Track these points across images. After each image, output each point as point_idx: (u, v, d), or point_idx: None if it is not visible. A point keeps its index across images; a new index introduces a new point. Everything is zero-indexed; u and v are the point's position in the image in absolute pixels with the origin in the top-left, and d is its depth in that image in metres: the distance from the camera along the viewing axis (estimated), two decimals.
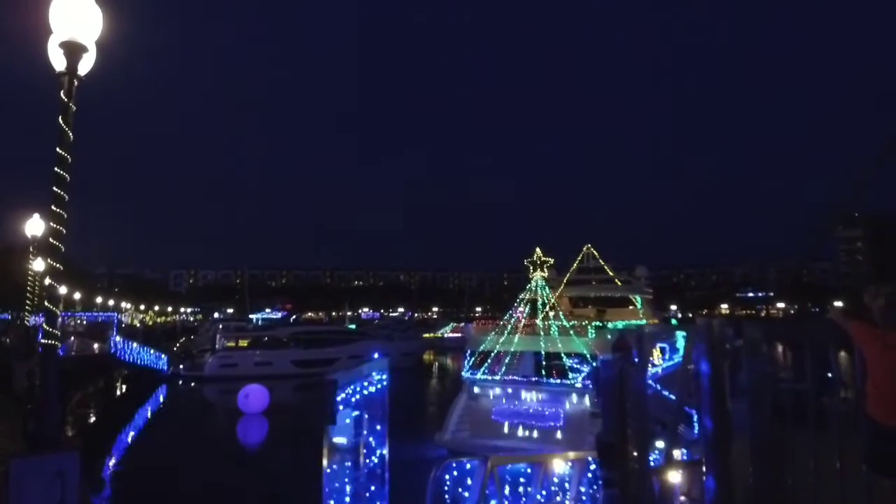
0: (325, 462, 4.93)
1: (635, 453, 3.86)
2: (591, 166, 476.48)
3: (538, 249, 23.24)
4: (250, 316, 69.95)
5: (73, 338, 32.36)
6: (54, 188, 6.10)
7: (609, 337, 19.38)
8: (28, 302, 19.03)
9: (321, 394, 4.95)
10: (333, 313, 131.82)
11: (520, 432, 18.68)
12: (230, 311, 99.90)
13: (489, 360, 20.28)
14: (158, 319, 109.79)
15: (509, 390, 19.37)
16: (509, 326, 20.94)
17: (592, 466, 6.93)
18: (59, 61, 6.34)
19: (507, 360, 20.71)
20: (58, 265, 6.09)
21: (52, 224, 6.04)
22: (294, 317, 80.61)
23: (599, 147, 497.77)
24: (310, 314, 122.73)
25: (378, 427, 5.04)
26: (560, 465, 7.10)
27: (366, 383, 5.44)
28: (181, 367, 43.61)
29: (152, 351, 38.83)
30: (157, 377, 37.37)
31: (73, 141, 6.20)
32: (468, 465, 6.05)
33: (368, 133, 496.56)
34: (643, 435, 3.85)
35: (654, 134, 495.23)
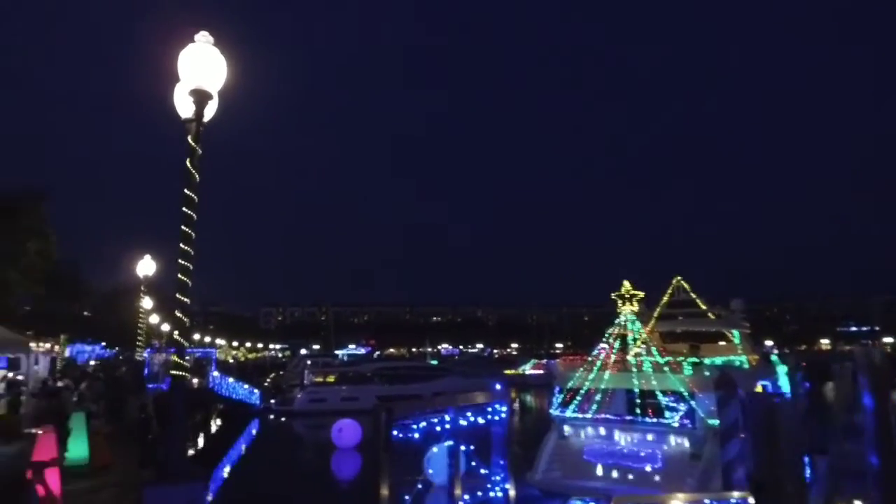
0: (383, 492, 4.83)
1: (789, 493, 3.56)
2: (671, 196, 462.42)
3: (626, 283, 22.49)
4: (335, 352, 71.39)
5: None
6: (182, 227, 6.48)
7: (707, 374, 18.37)
8: (139, 338, 20.22)
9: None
10: (414, 349, 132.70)
11: (614, 473, 17.82)
12: (316, 347, 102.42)
13: (578, 398, 19.60)
14: (249, 355, 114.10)
15: (602, 429, 18.57)
16: (598, 362, 20.20)
17: None
18: (185, 108, 6.82)
19: (597, 398, 19.95)
20: (186, 300, 6.43)
21: (180, 261, 6.40)
22: (377, 353, 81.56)
23: (681, 181, 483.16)
24: (391, 350, 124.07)
25: (501, 461, 4.91)
26: None
27: (468, 413, 5.34)
28: (272, 401, 44.90)
29: (246, 386, 40.22)
30: (250, 411, 38.59)
31: (199, 182, 6.62)
32: None
33: (435, 166, 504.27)
34: (799, 474, 3.55)
35: (746, 165, 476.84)
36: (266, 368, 77.43)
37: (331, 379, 48.03)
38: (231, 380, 37.23)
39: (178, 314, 6.41)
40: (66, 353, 22.53)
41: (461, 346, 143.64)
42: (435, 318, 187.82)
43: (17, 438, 16.71)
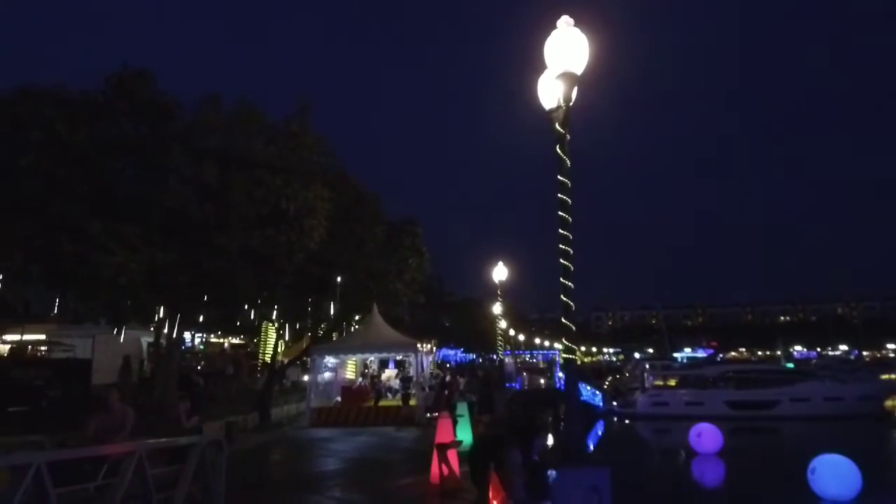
0: None
1: None
2: None
3: None
4: (674, 355, 68.14)
5: (524, 373, 36.46)
6: (559, 213, 6.56)
7: None
8: (500, 342, 22.18)
9: (771, 439, 3.95)
10: (759, 352, 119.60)
11: None
12: (650, 350, 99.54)
13: None
14: (585, 359, 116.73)
15: None
16: None
17: None
18: (549, 99, 6.97)
19: None
20: (570, 283, 6.50)
21: (561, 246, 6.52)
22: (720, 356, 75.43)
23: None
24: (732, 353, 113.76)
25: None
26: None
27: None
28: (614, 404, 44.71)
29: (588, 388, 40.83)
30: (594, 412, 38.99)
31: (569, 167, 6.69)
32: None
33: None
34: None
35: None
36: (602, 371, 77.86)
37: (672, 383, 45.88)
38: None
39: (564, 297, 6.48)
40: (438, 356, 25.96)
41: (819, 349, 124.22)
42: (783, 318, 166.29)
43: (414, 425, 19.66)
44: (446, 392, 13.78)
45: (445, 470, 10.60)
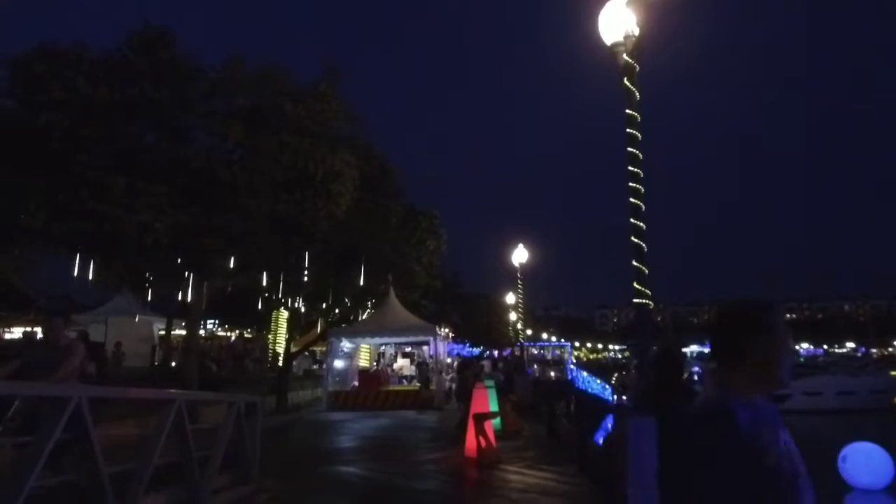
0: None
1: None
2: None
3: None
4: (683, 350, 67.72)
5: (535, 365, 35.95)
6: (628, 148, 6.14)
7: None
8: (520, 332, 22.17)
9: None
10: None
11: None
12: (654, 348, 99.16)
13: None
14: (591, 356, 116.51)
15: None
16: None
17: None
18: (611, 32, 6.52)
19: None
20: (641, 223, 6.06)
21: (630, 184, 6.08)
22: None
23: None
24: None
25: None
26: None
27: None
28: (623, 398, 44.30)
29: (598, 381, 40.36)
30: (604, 406, 38.51)
31: (639, 100, 6.25)
32: None
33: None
34: None
35: None
36: (608, 368, 77.63)
37: None
38: (585, 374, 37.64)
39: (635, 239, 6.05)
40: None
41: (825, 346, 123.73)
42: (789, 315, 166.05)
43: (433, 409, 19.26)
44: (468, 371, 13.34)
45: (483, 442, 10.16)
